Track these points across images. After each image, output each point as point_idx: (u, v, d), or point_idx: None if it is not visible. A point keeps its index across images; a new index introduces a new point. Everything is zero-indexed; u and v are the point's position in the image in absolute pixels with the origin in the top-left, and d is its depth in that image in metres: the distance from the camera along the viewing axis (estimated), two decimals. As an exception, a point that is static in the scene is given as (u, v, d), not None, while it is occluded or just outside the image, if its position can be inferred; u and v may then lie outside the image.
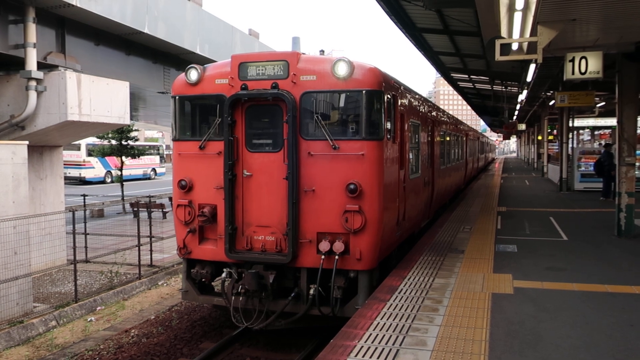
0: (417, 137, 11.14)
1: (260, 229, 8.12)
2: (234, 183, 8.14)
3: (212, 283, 8.82)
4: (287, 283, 8.16)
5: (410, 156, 10.26)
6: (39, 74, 12.34)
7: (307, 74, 7.85)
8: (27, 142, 11.08)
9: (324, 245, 7.66)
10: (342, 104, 8.06)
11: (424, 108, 11.98)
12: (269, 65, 7.97)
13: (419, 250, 10.40)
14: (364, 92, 7.69)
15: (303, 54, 8.21)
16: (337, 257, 7.60)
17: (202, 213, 8.25)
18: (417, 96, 11.27)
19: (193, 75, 8.35)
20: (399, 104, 8.98)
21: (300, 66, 7.89)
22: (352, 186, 7.58)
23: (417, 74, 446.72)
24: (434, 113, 13.68)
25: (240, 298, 7.99)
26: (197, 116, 8.85)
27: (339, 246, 7.62)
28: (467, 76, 27.11)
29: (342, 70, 7.60)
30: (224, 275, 8.19)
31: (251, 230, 8.16)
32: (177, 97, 8.64)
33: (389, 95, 8.26)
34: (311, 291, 7.76)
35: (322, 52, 8.78)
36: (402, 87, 9.51)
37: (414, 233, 11.52)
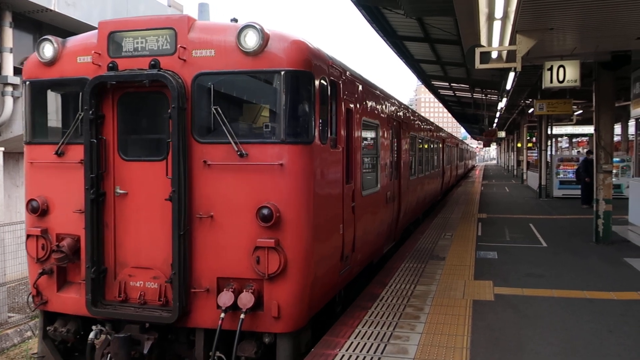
0: (376, 141, 9.05)
1: (139, 271, 5.83)
2: (101, 205, 5.88)
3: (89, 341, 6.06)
4: (178, 349, 5.96)
5: (367, 166, 8.37)
6: (16, 80, 12.15)
7: (203, 47, 5.64)
8: (2, 149, 10.88)
9: (225, 298, 5.41)
10: (252, 90, 5.99)
11: (386, 105, 9.78)
12: (151, 36, 5.74)
13: (400, 258, 10.40)
14: (282, 73, 5.45)
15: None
16: (243, 314, 5.37)
17: (58, 248, 5.94)
18: (377, 92, 9.05)
19: (47, 50, 6.10)
20: (343, 94, 6.79)
21: (192, 37, 5.67)
22: (265, 211, 5.40)
23: (399, 82, 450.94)
24: (400, 113, 11.40)
25: None
26: (56, 110, 6.59)
27: (246, 298, 5.37)
28: (447, 84, 27.39)
29: (251, 41, 5.45)
30: (91, 335, 5.92)
31: (126, 273, 5.87)
32: (27, 83, 6.36)
33: (324, 81, 6.04)
34: None
35: (234, 20, 6.20)
36: (348, 73, 7.14)
37: (373, 262, 9.20)
